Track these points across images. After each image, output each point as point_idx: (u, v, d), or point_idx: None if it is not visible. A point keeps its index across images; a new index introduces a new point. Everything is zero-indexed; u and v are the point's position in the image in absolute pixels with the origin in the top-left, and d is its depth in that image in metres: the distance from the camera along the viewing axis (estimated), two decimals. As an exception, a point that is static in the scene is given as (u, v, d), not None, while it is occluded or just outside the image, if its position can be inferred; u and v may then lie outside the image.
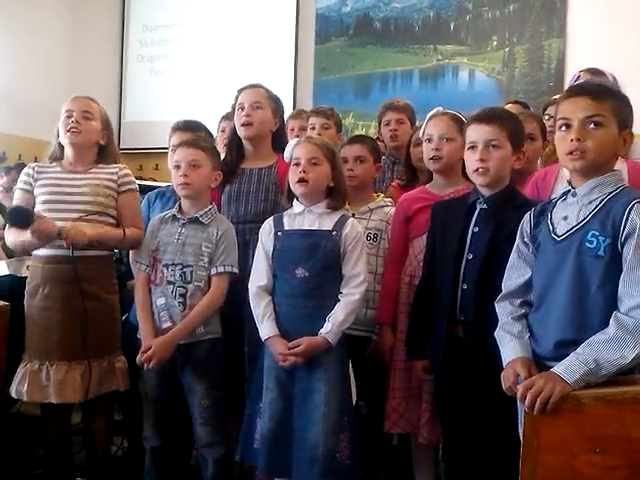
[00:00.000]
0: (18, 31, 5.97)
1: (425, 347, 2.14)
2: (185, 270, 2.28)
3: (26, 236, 2.25)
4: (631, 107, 1.67)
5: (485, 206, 1.99)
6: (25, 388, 2.31)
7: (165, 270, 2.30)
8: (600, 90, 1.65)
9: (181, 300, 2.27)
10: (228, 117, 3.05)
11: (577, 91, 1.67)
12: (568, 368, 1.48)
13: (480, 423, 1.96)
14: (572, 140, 1.61)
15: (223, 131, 3.09)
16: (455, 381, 2.00)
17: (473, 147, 1.97)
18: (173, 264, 2.30)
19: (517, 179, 2.26)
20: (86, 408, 2.45)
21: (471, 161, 1.97)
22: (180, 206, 2.38)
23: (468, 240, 1.99)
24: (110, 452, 2.57)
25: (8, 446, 2.69)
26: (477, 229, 1.99)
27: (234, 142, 2.63)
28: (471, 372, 1.94)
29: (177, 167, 2.32)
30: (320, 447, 2.08)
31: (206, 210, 2.34)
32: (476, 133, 1.96)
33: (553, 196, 2.16)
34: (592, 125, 1.60)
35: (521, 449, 1.47)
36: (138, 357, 2.24)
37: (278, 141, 2.62)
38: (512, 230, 1.89)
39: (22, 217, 2.24)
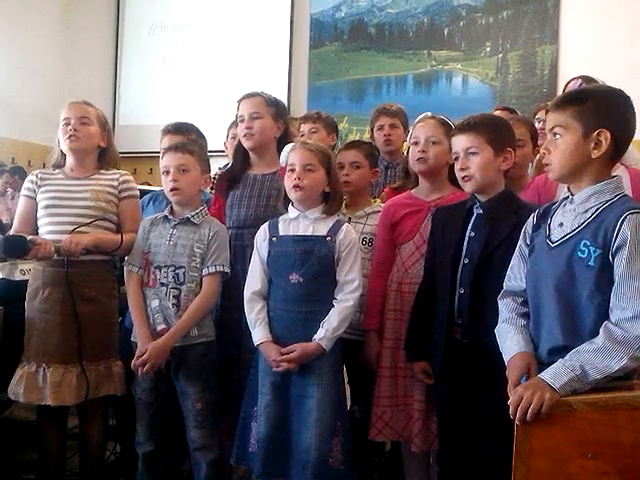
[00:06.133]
0: (11, 34, 5.96)
1: (426, 348, 2.14)
2: (178, 272, 2.28)
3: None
4: (612, 105, 1.61)
5: (481, 211, 2.03)
6: (22, 389, 2.31)
7: (157, 272, 2.30)
8: (563, 99, 1.66)
9: (175, 302, 2.27)
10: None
11: (550, 105, 1.70)
12: (555, 374, 1.49)
13: (476, 426, 1.97)
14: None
15: (234, 138, 3.09)
16: (454, 383, 2.02)
17: (456, 158, 2.04)
18: (165, 266, 2.30)
19: (508, 185, 2.28)
20: (82, 412, 2.44)
21: (457, 170, 2.04)
22: (172, 208, 2.39)
23: (465, 245, 2.02)
24: (104, 457, 2.57)
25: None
26: (473, 234, 2.02)
27: (239, 151, 2.64)
28: (468, 374, 1.96)
29: (166, 172, 2.33)
30: (312, 451, 2.08)
31: (197, 211, 2.35)
32: (457, 143, 2.04)
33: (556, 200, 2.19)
34: (554, 136, 1.63)
35: (513, 454, 1.47)
36: (133, 361, 2.24)
37: (283, 146, 2.63)
38: (508, 234, 1.92)
39: (17, 247, 2.23)
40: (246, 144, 2.59)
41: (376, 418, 2.31)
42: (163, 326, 2.27)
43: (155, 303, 2.29)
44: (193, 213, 2.33)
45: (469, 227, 2.04)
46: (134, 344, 2.30)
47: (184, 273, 2.28)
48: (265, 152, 2.61)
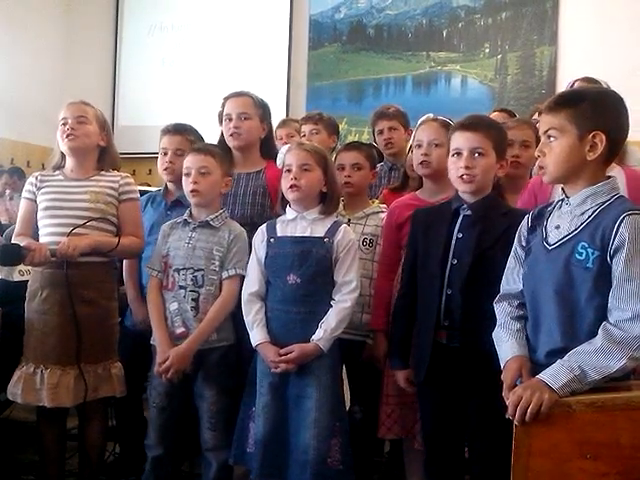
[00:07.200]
0: (11, 35, 5.96)
1: (407, 356, 2.13)
2: (196, 274, 2.28)
3: None
4: (606, 107, 1.60)
5: (469, 212, 2.00)
6: (20, 390, 2.31)
7: (176, 275, 2.30)
8: (556, 101, 1.64)
9: (193, 305, 2.27)
10: None
11: (543, 107, 1.69)
12: (554, 375, 1.48)
13: (464, 431, 1.96)
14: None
15: None
16: (439, 388, 1.99)
17: (458, 154, 1.98)
18: (184, 268, 2.29)
19: (510, 185, 2.28)
20: (81, 413, 2.44)
21: (455, 168, 1.99)
22: (190, 211, 2.38)
23: (452, 246, 1.99)
24: (103, 458, 2.57)
25: (-2, 451, 2.69)
26: (461, 235, 1.99)
27: (222, 149, 2.64)
28: (455, 378, 1.94)
29: (187, 174, 2.33)
30: (311, 451, 2.08)
31: (217, 214, 2.34)
32: (461, 140, 1.98)
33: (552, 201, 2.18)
34: (548, 139, 1.62)
35: (512, 455, 1.47)
36: (155, 368, 2.24)
37: (266, 147, 2.64)
38: (498, 236, 1.91)
39: (12, 256, 2.23)
40: (232, 143, 2.59)
41: (385, 416, 2.32)
42: (182, 329, 2.26)
43: (174, 306, 2.28)
44: (212, 216, 2.33)
45: (456, 228, 2.00)
46: (153, 347, 2.31)
47: (203, 276, 2.28)
48: (250, 152, 2.62)
